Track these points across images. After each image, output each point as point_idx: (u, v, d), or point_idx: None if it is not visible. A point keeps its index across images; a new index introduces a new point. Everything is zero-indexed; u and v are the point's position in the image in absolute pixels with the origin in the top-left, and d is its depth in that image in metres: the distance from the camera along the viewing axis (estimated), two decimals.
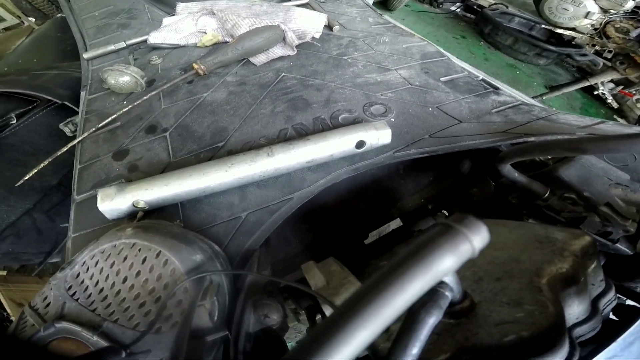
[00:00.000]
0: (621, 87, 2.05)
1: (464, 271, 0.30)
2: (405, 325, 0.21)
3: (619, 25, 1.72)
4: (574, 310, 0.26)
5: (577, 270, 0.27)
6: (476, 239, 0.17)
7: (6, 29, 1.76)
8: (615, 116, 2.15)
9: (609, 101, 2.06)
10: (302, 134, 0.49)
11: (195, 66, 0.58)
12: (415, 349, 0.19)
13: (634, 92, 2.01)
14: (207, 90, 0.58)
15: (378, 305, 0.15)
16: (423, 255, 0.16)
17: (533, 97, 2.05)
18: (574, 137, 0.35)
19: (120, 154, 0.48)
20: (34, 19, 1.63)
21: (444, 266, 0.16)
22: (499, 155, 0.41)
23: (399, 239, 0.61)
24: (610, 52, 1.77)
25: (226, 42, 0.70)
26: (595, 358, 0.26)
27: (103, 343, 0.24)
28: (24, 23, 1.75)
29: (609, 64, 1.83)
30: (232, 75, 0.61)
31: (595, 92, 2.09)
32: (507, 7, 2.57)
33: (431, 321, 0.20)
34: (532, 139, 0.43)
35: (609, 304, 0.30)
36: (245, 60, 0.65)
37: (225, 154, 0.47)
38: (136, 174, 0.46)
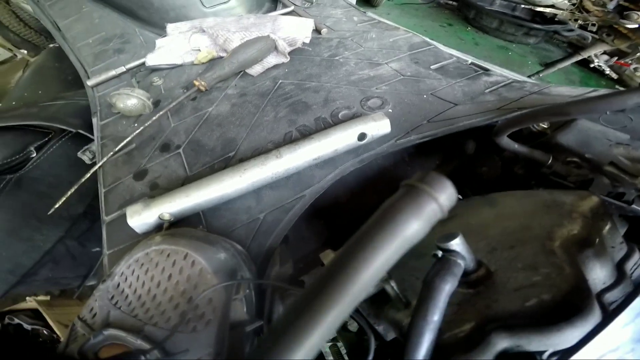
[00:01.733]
0: (616, 58, 2.01)
1: (478, 243, 0.31)
2: (422, 295, 0.21)
3: None
4: (598, 274, 0.25)
5: (589, 231, 0.27)
6: (442, 196, 0.15)
7: (0, 63, 1.77)
8: (617, 86, 2.10)
9: (607, 72, 2.02)
10: (306, 134, 0.51)
11: (196, 83, 0.61)
12: (435, 315, 0.20)
13: (630, 61, 1.98)
14: (211, 105, 0.60)
15: (344, 283, 0.14)
16: (386, 222, 0.15)
17: (530, 76, 2.02)
18: (557, 103, 0.35)
19: (140, 174, 0.51)
20: (25, 51, 1.63)
21: (410, 231, 0.15)
22: (494, 129, 0.42)
23: None
24: (593, 25, 1.75)
25: (221, 57, 0.72)
26: (618, 317, 0.24)
27: (146, 345, 0.25)
28: (16, 56, 1.77)
29: (597, 36, 1.80)
30: (232, 88, 0.64)
31: (592, 65, 2.05)
32: None
33: (447, 288, 0.21)
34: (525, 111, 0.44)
35: (636, 267, 0.28)
36: (242, 73, 0.67)
37: (237, 162, 0.49)
38: (158, 191, 0.48)
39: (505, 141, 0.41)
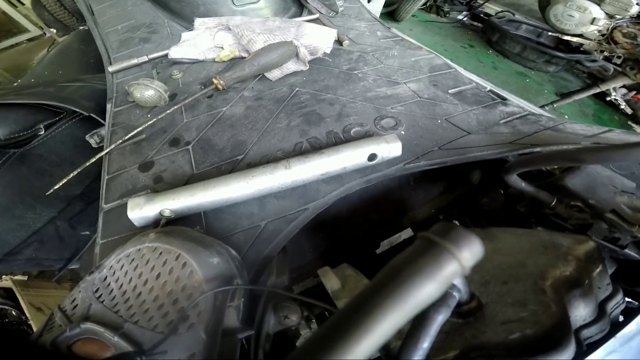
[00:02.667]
0: (634, 92, 2.07)
1: (472, 275, 0.33)
2: (415, 322, 0.23)
3: (626, 31, 1.76)
4: (580, 312, 0.28)
5: (580, 273, 0.29)
6: (465, 255, 0.15)
7: (29, 39, 1.89)
8: (629, 122, 2.16)
9: (622, 107, 2.08)
10: (316, 148, 0.53)
11: (215, 81, 0.64)
12: (425, 343, 0.22)
13: None
14: (226, 104, 0.63)
15: (342, 351, 0.13)
16: (398, 284, 0.14)
17: (544, 105, 2.08)
18: (573, 147, 0.38)
19: (145, 165, 0.53)
20: (55, 30, 1.73)
21: (424, 294, 0.14)
22: (505, 166, 0.44)
23: None
24: (619, 57, 1.81)
25: (243, 58, 0.76)
26: (592, 354, 0.27)
27: (123, 343, 0.25)
28: (45, 34, 1.88)
29: (619, 69, 1.86)
30: (249, 90, 0.67)
31: (608, 98, 2.11)
32: (513, 15, 2.65)
33: (440, 318, 0.22)
34: (538, 149, 0.46)
35: (616, 307, 0.31)
36: (260, 76, 0.70)
37: (245, 166, 0.51)
38: (161, 185, 0.50)
39: (514, 179, 0.44)
